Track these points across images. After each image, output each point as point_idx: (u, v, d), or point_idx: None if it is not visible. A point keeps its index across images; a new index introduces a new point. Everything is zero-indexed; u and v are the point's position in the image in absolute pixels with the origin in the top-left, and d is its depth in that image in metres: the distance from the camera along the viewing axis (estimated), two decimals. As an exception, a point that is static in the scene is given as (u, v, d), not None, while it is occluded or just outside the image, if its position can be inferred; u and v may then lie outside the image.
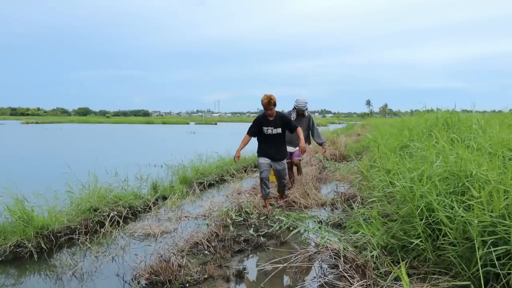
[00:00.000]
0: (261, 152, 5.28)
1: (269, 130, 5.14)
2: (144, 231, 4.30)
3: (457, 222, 2.46)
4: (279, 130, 5.16)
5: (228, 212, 4.82)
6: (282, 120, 5.22)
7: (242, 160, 8.78)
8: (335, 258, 2.98)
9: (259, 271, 3.27)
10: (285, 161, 5.33)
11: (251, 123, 5.26)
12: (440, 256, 2.69)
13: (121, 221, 4.48)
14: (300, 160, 6.46)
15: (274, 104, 5.06)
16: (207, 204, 5.42)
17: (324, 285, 2.79)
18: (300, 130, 5.24)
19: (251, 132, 5.23)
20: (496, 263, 2.14)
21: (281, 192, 5.58)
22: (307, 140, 6.28)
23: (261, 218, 4.65)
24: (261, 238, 4.00)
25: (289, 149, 6.05)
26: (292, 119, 6.04)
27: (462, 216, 2.42)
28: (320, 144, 6.47)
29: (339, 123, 53.84)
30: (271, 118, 5.13)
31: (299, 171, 6.69)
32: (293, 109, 6.17)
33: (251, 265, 3.46)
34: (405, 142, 5.62)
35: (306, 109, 6.20)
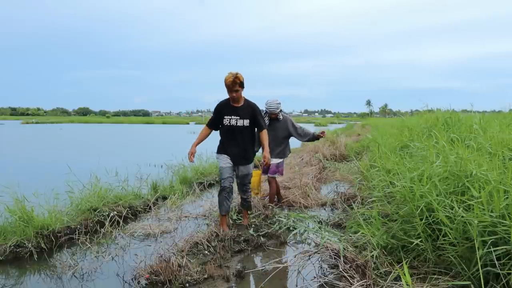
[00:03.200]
0: (220, 151, 4.14)
1: (232, 120, 3.95)
2: (144, 231, 4.30)
3: (457, 222, 2.46)
4: (246, 122, 3.96)
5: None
6: (252, 111, 4.00)
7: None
8: (335, 258, 2.98)
9: (259, 271, 3.27)
10: (251, 165, 4.22)
11: None
12: (440, 256, 2.69)
13: (121, 221, 4.48)
14: (273, 177, 5.27)
15: (241, 85, 3.83)
16: (207, 204, 5.42)
17: (324, 285, 2.79)
18: (265, 135, 4.08)
19: (210, 124, 4.12)
20: (496, 263, 2.14)
21: (245, 208, 4.42)
22: (287, 150, 5.36)
23: (261, 218, 4.65)
24: (261, 238, 3.99)
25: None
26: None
27: (462, 216, 2.42)
28: (314, 137, 5.35)
29: (339, 123, 53.89)
30: (236, 105, 3.93)
31: (276, 191, 5.47)
32: (264, 113, 5.09)
33: (251, 265, 3.46)
34: (405, 142, 5.62)
35: (281, 110, 5.21)
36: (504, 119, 6.11)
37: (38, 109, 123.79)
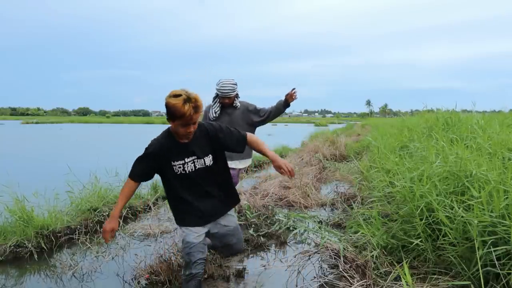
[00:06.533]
0: (182, 214, 2.54)
1: (188, 165, 2.43)
2: (144, 231, 4.31)
3: (457, 222, 2.46)
4: (209, 160, 2.48)
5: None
6: (213, 136, 2.49)
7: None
8: (335, 258, 2.98)
9: (259, 271, 3.27)
10: (234, 215, 2.78)
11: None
12: (440, 256, 2.69)
13: (121, 221, 4.48)
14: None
15: (197, 111, 2.28)
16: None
17: (324, 285, 2.79)
18: (255, 138, 2.57)
19: (136, 174, 2.48)
20: (496, 263, 2.14)
21: None
22: (249, 152, 3.91)
23: (261, 218, 4.65)
24: (261, 238, 3.99)
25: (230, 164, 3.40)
26: (214, 114, 3.73)
27: (462, 216, 2.42)
28: (282, 106, 3.88)
29: (339, 123, 53.93)
30: (186, 140, 2.42)
31: None
32: (214, 97, 3.77)
33: (251, 265, 3.46)
34: (405, 142, 5.62)
35: (237, 96, 3.77)
36: (504, 119, 6.11)
37: (38, 109, 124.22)
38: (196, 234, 2.47)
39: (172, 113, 2.25)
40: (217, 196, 2.58)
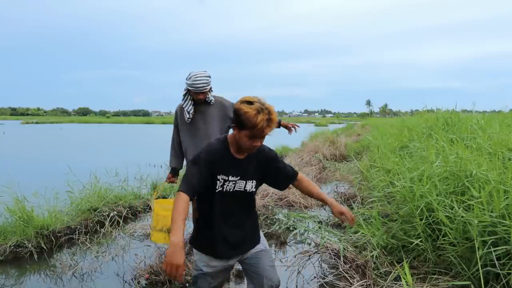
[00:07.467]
0: (204, 240, 2.11)
1: (229, 184, 2.00)
2: (144, 231, 4.30)
3: (457, 222, 2.46)
4: (251, 186, 2.07)
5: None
6: (263, 160, 2.10)
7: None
8: (335, 258, 2.98)
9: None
10: (266, 245, 2.22)
11: (190, 167, 1.96)
12: (440, 256, 2.69)
13: (121, 221, 4.48)
14: None
15: (270, 125, 1.87)
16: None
17: (324, 285, 2.79)
18: (305, 177, 2.24)
19: (192, 186, 1.88)
20: (496, 263, 2.14)
21: None
22: None
23: (261, 218, 4.65)
24: (261, 238, 3.99)
25: None
26: (188, 115, 3.19)
27: (462, 216, 2.42)
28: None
29: (339, 123, 53.95)
30: (241, 156, 2.03)
31: None
32: (185, 94, 3.21)
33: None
34: (405, 142, 5.62)
35: (211, 90, 3.20)
36: (504, 119, 6.11)
37: (38, 109, 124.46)
38: (209, 264, 2.11)
39: (242, 121, 1.88)
40: (245, 229, 2.15)
